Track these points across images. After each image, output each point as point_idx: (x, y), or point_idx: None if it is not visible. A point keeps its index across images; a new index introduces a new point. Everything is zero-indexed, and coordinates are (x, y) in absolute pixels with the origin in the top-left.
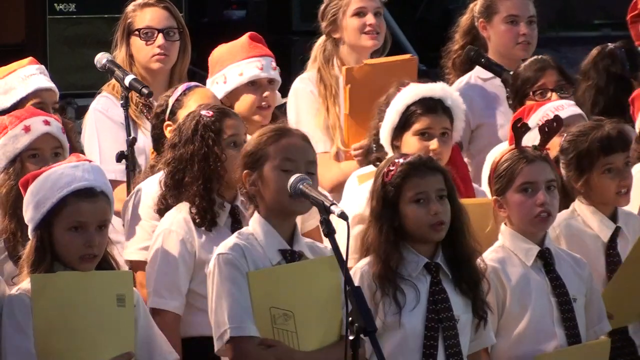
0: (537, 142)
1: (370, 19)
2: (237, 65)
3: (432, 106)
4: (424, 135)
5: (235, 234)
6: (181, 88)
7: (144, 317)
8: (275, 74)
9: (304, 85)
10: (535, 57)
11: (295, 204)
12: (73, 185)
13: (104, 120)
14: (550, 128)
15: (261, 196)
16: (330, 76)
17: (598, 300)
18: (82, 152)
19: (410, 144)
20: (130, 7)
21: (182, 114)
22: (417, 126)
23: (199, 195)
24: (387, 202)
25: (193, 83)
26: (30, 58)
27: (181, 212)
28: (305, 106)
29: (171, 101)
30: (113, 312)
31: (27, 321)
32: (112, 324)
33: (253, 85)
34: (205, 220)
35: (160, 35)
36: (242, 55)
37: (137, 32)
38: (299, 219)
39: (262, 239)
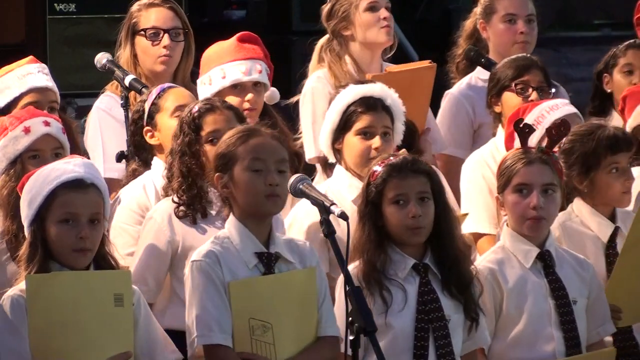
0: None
1: (383, 12)
2: (221, 67)
3: (372, 104)
4: (365, 134)
5: (212, 238)
6: (155, 91)
7: (145, 316)
8: (259, 76)
9: (321, 85)
10: (522, 54)
11: (268, 205)
12: (62, 177)
13: (107, 120)
14: (557, 131)
15: (234, 198)
16: (343, 72)
17: (602, 301)
18: (85, 151)
19: (353, 143)
20: (135, 7)
21: (160, 118)
22: (358, 125)
23: (179, 189)
24: (370, 202)
25: (166, 84)
26: (30, 57)
27: (169, 201)
28: (322, 106)
29: (147, 106)
30: (110, 312)
31: (22, 322)
32: (109, 324)
33: (236, 89)
34: (186, 214)
35: (166, 35)
36: (227, 58)
37: (142, 32)
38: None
39: (238, 242)
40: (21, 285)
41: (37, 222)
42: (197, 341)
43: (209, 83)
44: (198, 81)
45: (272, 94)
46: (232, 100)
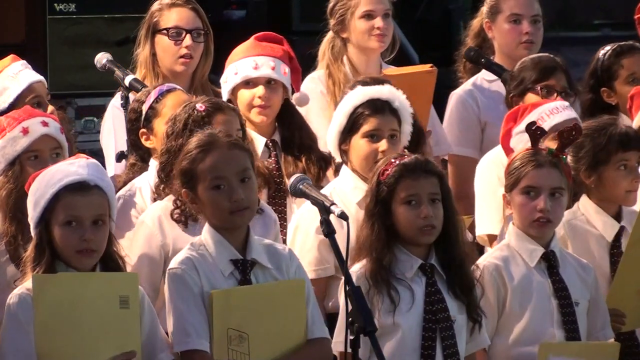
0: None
1: (378, 22)
2: (235, 64)
3: (380, 107)
4: (372, 137)
5: (188, 245)
6: (154, 94)
7: (149, 317)
8: (271, 72)
9: (314, 85)
10: (547, 55)
11: (236, 220)
12: (65, 180)
13: (121, 117)
14: (569, 135)
15: (203, 213)
16: (339, 72)
17: (603, 306)
18: (82, 151)
19: (359, 146)
20: (155, 6)
21: (157, 123)
22: (365, 128)
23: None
24: (380, 201)
25: (165, 86)
26: (12, 56)
27: (160, 204)
28: (315, 107)
29: (145, 108)
30: (116, 314)
31: (28, 321)
32: (114, 326)
33: (248, 85)
34: (182, 216)
35: (188, 35)
36: (240, 55)
37: (165, 31)
38: None
39: (213, 249)
40: (28, 283)
41: (43, 224)
42: (175, 348)
43: (225, 81)
44: (221, 80)
45: (300, 96)
46: (243, 96)
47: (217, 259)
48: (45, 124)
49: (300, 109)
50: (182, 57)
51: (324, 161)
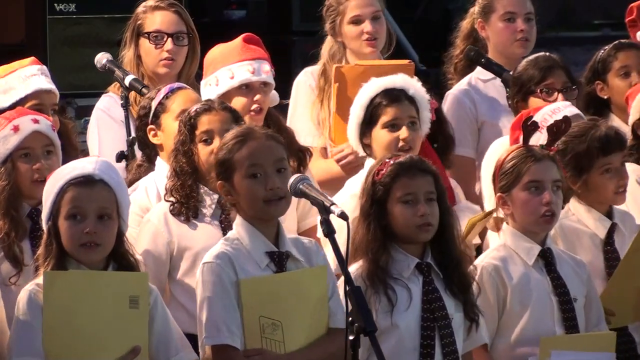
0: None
1: (367, 26)
2: (229, 68)
3: (396, 96)
4: (392, 126)
5: (222, 240)
6: (164, 90)
7: (162, 315)
8: (267, 77)
9: (305, 78)
10: (543, 54)
11: (270, 210)
12: (71, 174)
13: (105, 119)
14: (558, 128)
15: (239, 204)
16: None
17: (597, 302)
18: (83, 151)
19: (380, 137)
20: (140, 9)
21: (165, 119)
22: (384, 118)
23: (174, 188)
24: (375, 200)
25: (176, 84)
26: (32, 58)
27: (167, 203)
28: (302, 99)
29: (154, 104)
30: (124, 313)
31: (37, 317)
32: (122, 325)
33: (245, 89)
34: (179, 212)
35: (170, 40)
36: (234, 58)
37: (146, 35)
38: (293, 219)
39: (248, 242)
40: (38, 280)
41: (51, 220)
42: (205, 342)
43: (216, 84)
44: (202, 83)
45: (271, 96)
46: (240, 101)
47: (252, 252)
48: (35, 121)
49: (292, 102)
50: (163, 60)
51: (302, 153)
